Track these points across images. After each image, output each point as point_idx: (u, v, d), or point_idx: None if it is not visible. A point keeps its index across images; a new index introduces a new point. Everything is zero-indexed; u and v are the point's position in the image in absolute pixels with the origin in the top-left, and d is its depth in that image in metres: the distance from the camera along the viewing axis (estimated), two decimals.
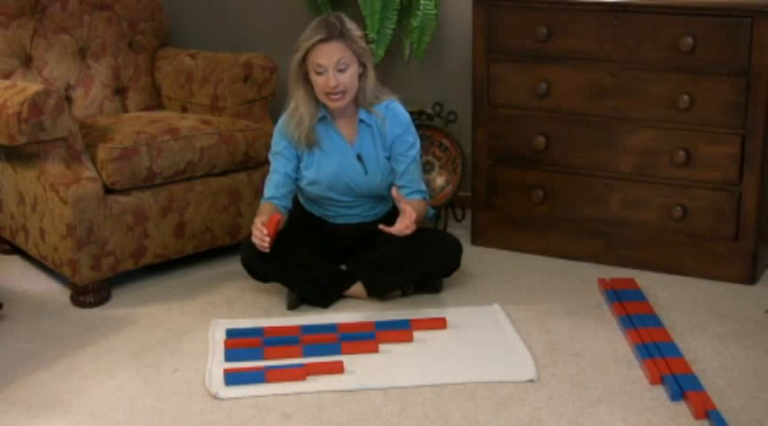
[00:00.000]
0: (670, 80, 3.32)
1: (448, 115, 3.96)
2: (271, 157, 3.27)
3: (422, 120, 3.93)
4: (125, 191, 3.32)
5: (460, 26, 3.92)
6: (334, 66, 3.07)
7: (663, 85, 3.33)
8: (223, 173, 3.55)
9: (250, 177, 3.59)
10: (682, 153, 3.34)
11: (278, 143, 3.24)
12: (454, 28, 3.97)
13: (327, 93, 3.10)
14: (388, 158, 3.23)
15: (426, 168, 3.94)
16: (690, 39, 3.25)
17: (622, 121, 3.43)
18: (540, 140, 3.56)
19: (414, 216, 3.00)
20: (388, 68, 4.05)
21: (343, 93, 3.11)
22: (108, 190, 3.29)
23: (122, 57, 3.89)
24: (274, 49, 3.96)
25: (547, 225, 3.63)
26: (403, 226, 2.99)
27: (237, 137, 3.54)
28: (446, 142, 3.92)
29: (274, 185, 3.21)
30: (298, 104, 3.18)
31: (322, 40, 3.06)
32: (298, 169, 3.24)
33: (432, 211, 3.33)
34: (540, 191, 3.60)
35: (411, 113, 3.92)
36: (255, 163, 3.59)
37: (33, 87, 3.19)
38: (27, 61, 3.69)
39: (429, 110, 3.95)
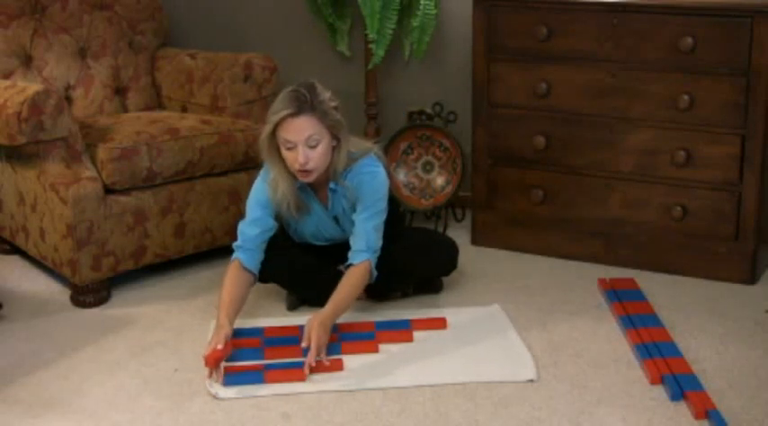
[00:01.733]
0: (670, 80, 3.32)
1: (448, 115, 3.96)
2: (249, 205, 3.07)
3: (422, 120, 3.93)
4: (125, 191, 3.32)
5: (460, 26, 3.92)
6: (304, 143, 2.89)
7: (663, 85, 3.33)
8: (223, 173, 3.55)
9: (250, 177, 3.57)
10: (682, 153, 3.34)
11: (261, 194, 3.06)
12: (454, 28, 3.97)
13: (297, 170, 2.93)
14: None
15: (426, 168, 3.94)
16: (690, 39, 3.25)
17: (622, 121, 3.42)
18: (540, 140, 3.56)
19: (313, 331, 2.82)
20: (388, 68, 4.06)
21: (312, 171, 2.93)
22: (108, 190, 3.29)
23: (122, 57, 3.89)
24: (274, 49, 3.96)
25: (547, 225, 3.63)
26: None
27: (237, 137, 3.54)
28: (446, 142, 3.92)
29: (259, 236, 3.04)
30: (276, 176, 3.01)
31: (291, 115, 2.87)
32: (276, 219, 3.10)
33: (375, 273, 3.08)
34: (540, 191, 3.60)
35: (411, 113, 3.95)
36: (255, 163, 3.58)
37: (33, 87, 3.19)
38: (27, 61, 3.69)
39: (429, 110, 3.94)
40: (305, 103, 2.88)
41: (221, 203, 3.53)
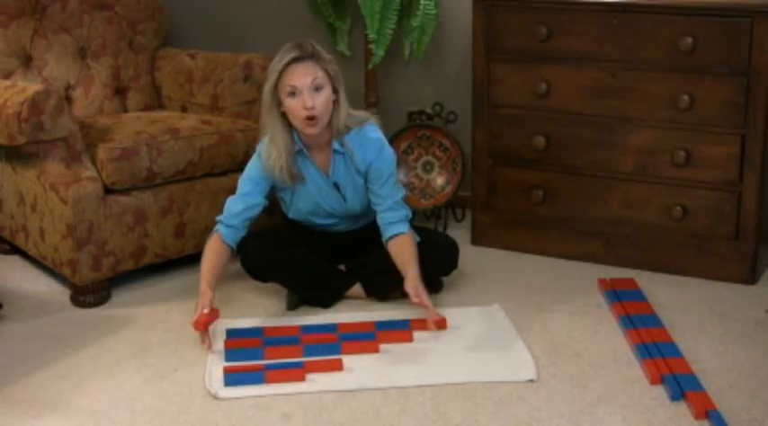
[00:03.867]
0: (670, 80, 3.32)
1: (448, 115, 3.96)
2: (241, 180, 3.14)
3: (422, 120, 3.93)
4: (125, 191, 3.32)
5: (460, 26, 3.92)
6: (309, 87, 2.94)
7: (663, 85, 3.33)
8: (223, 173, 3.55)
9: None
10: (682, 153, 3.34)
11: (254, 169, 3.12)
12: (454, 28, 3.97)
13: (303, 118, 2.96)
14: (365, 182, 3.15)
15: (426, 168, 3.94)
16: (690, 39, 3.25)
17: (622, 121, 3.43)
18: (540, 140, 3.56)
19: (419, 291, 2.97)
20: (388, 68, 4.06)
21: (318, 118, 2.97)
22: (108, 190, 3.29)
23: (122, 57, 3.89)
24: (274, 49, 3.93)
25: (547, 225, 3.63)
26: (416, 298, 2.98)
27: (237, 137, 3.54)
28: (446, 142, 3.92)
29: (240, 214, 3.10)
30: (274, 136, 3.04)
31: (295, 60, 2.95)
32: (266, 196, 3.14)
33: (417, 238, 3.17)
34: (540, 191, 3.60)
35: (411, 113, 3.95)
36: None
37: (33, 87, 3.19)
38: (27, 61, 3.69)
39: (429, 110, 3.94)
40: (308, 50, 2.97)
41: (221, 203, 3.51)
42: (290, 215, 3.24)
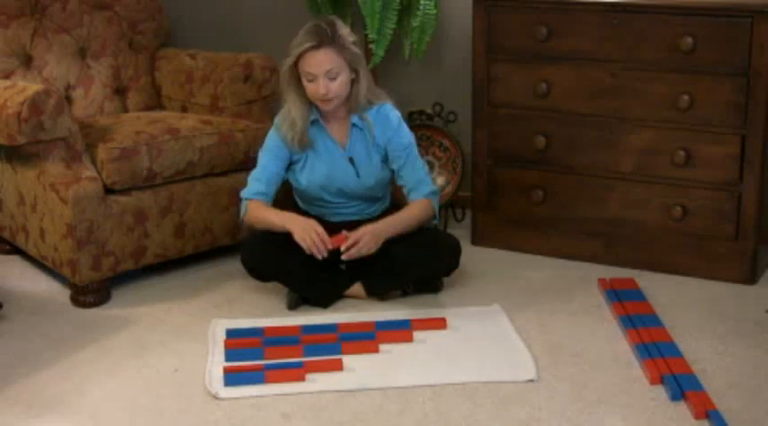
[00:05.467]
0: (670, 80, 3.32)
1: (448, 115, 3.96)
2: (261, 153, 3.25)
3: (422, 120, 3.93)
4: (125, 191, 3.32)
5: (460, 26, 3.92)
6: (324, 75, 3.06)
7: (663, 85, 3.33)
8: (223, 173, 3.55)
9: None
10: (682, 153, 3.34)
11: (272, 140, 3.23)
12: (454, 28, 3.97)
13: (318, 100, 3.11)
14: (384, 161, 3.23)
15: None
16: (690, 40, 3.25)
17: (622, 121, 3.43)
18: (540, 140, 3.56)
19: (365, 236, 3.05)
20: (388, 68, 4.05)
21: (332, 99, 3.10)
22: (108, 190, 3.29)
23: (122, 57, 3.89)
24: (274, 49, 3.95)
25: (547, 225, 3.63)
26: (351, 241, 3.07)
27: (237, 137, 3.54)
28: (446, 142, 3.92)
29: (265, 182, 3.20)
30: (290, 107, 3.18)
31: (312, 47, 3.05)
32: (287, 169, 3.24)
33: (437, 218, 3.29)
34: (540, 192, 3.60)
35: (411, 113, 3.95)
36: (255, 163, 3.58)
37: (33, 87, 3.19)
38: (27, 61, 3.69)
39: (429, 110, 3.94)
40: (325, 37, 3.05)
41: (221, 203, 3.53)
42: (303, 183, 3.25)
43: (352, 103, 3.17)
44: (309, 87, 3.10)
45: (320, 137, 3.21)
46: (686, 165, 3.35)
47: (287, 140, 3.18)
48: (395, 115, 3.23)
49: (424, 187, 3.24)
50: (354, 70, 3.13)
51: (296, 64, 3.10)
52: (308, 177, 3.23)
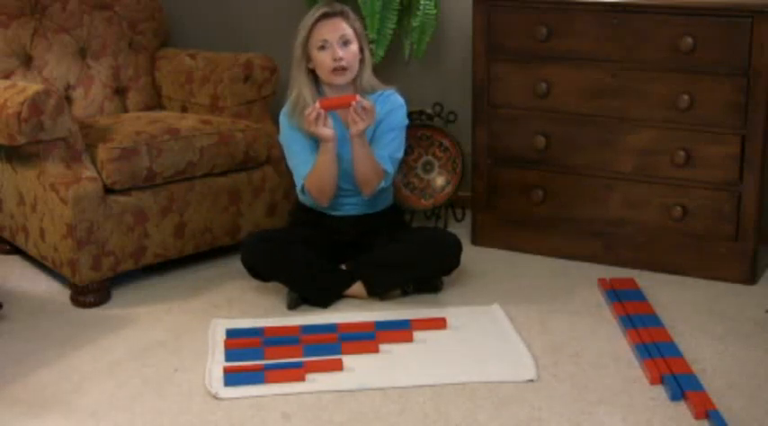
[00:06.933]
0: (670, 80, 3.32)
1: (448, 115, 3.96)
2: (288, 155, 3.26)
3: (422, 120, 3.93)
4: (125, 191, 3.32)
5: (460, 26, 3.92)
6: (338, 40, 3.13)
7: (663, 85, 3.33)
8: (223, 173, 3.55)
9: (250, 177, 3.59)
10: (682, 153, 3.34)
11: (289, 138, 3.23)
12: (454, 28, 3.97)
13: (333, 69, 3.14)
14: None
15: (426, 168, 3.94)
16: (690, 40, 3.25)
17: (622, 121, 3.43)
18: (540, 140, 3.56)
19: (362, 104, 3.09)
20: (388, 68, 4.05)
21: (346, 68, 3.15)
22: (108, 190, 3.29)
23: (122, 57, 3.89)
24: (274, 49, 3.95)
25: (547, 225, 3.63)
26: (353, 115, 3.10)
27: (237, 137, 3.54)
28: (446, 142, 3.92)
29: (311, 163, 3.18)
30: (300, 90, 3.20)
31: (325, 15, 3.15)
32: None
33: (383, 184, 3.25)
34: (540, 191, 3.60)
35: (411, 113, 3.94)
36: (255, 163, 3.59)
37: (33, 87, 3.19)
38: (27, 61, 3.69)
39: (429, 110, 3.94)
40: (337, 7, 3.19)
41: (221, 203, 3.53)
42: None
43: (357, 83, 3.22)
44: (323, 56, 3.14)
45: (329, 118, 3.19)
46: (686, 165, 3.36)
47: (299, 126, 3.18)
48: (400, 100, 3.28)
49: (385, 162, 3.22)
50: (361, 50, 3.20)
51: (307, 40, 3.15)
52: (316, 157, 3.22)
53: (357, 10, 3.79)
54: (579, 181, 3.54)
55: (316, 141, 3.19)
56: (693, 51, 3.26)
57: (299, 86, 3.20)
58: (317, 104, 3.07)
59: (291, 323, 3.11)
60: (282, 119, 3.26)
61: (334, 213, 3.31)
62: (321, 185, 3.18)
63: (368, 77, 3.24)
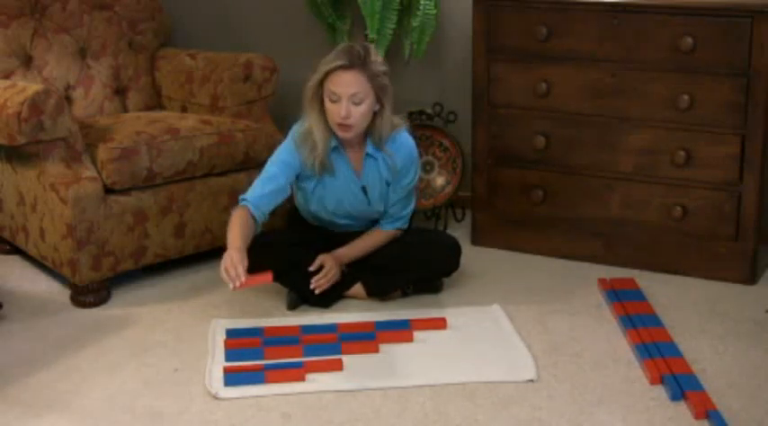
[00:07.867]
0: (670, 80, 3.32)
1: (448, 115, 3.96)
2: (271, 162, 3.12)
3: (422, 120, 3.93)
4: (125, 191, 3.32)
5: (460, 26, 3.92)
6: (349, 98, 2.96)
7: (663, 85, 3.33)
8: (223, 173, 3.55)
9: (250, 177, 3.57)
10: (682, 153, 3.34)
11: (287, 154, 3.10)
12: (454, 28, 3.97)
13: (338, 124, 3.00)
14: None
15: (426, 168, 3.94)
16: (690, 40, 3.25)
17: (622, 121, 3.43)
18: (540, 140, 3.56)
19: (328, 261, 3.14)
20: (389, 68, 4.05)
21: (351, 126, 3.00)
22: (108, 190, 3.29)
23: (122, 57, 3.89)
24: (274, 49, 3.96)
25: (547, 225, 3.63)
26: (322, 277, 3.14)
27: (237, 137, 3.54)
28: (446, 142, 3.92)
29: (268, 195, 3.05)
30: (312, 127, 3.06)
31: (342, 67, 2.96)
32: (291, 184, 3.14)
33: (404, 228, 3.29)
34: (540, 191, 3.60)
35: (411, 113, 3.95)
36: (255, 163, 3.59)
37: (33, 87, 3.19)
38: (27, 61, 3.69)
39: (429, 110, 3.94)
40: (357, 60, 2.96)
41: (221, 203, 3.53)
42: (312, 207, 3.20)
43: (371, 135, 3.08)
44: (331, 108, 2.98)
45: (339, 163, 3.13)
46: (686, 165, 3.36)
47: (307, 164, 3.08)
48: (411, 146, 3.15)
49: (400, 223, 3.24)
50: (380, 102, 3.03)
51: (322, 83, 3.00)
52: (318, 202, 3.18)
53: (357, 10, 3.80)
54: (579, 181, 3.54)
55: (298, 173, 3.10)
56: (693, 51, 3.26)
57: (311, 123, 3.06)
58: (237, 283, 2.79)
59: (291, 323, 3.11)
60: (292, 135, 3.12)
61: (335, 230, 3.30)
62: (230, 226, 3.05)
63: (385, 130, 3.07)
